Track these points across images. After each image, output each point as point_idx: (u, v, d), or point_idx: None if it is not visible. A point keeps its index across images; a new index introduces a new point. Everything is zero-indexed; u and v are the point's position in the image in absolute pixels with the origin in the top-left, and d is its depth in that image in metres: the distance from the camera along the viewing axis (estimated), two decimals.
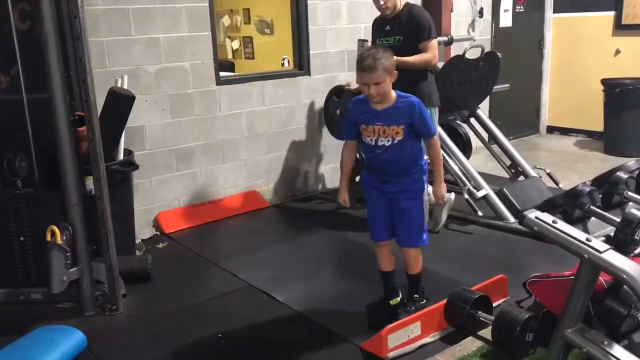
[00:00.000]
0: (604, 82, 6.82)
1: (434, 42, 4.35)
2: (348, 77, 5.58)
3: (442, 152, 4.69)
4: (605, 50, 7.23)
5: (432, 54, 4.34)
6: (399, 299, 3.33)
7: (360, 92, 5.04)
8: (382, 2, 4.34)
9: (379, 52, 2.97)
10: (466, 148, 5.50)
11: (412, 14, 4.33)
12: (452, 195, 4.58)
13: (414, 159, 3.13)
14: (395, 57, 4.25)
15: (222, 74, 5.20)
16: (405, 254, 3.26)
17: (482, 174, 4.93)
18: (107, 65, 4.37)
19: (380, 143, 3.05)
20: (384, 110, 3.04)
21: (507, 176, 5.37)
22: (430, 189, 3.31)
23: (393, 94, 3.06)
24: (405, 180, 3.11)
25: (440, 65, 4.98)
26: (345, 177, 3.34)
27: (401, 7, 4.39)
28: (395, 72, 3.03)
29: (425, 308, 3.22)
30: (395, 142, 3.02)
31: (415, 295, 3.33)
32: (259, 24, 7.34)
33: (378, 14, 4.54)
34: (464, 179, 4.80)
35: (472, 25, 6.82)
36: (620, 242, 2.63)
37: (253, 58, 7.54)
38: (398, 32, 4.39)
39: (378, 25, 4.59)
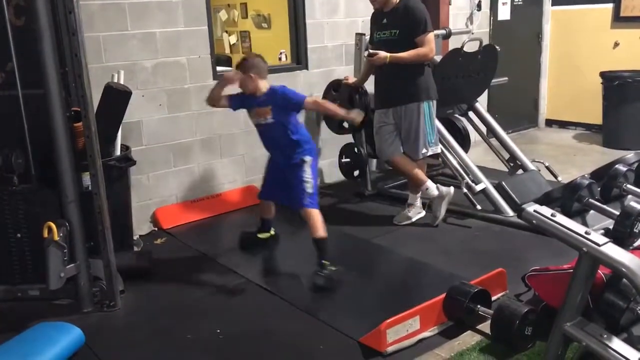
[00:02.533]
0: (603, 75, 6.81)
1: (430, 36, 4.33)
2: (346, 71, 5.56)
3: (440, 146, 4.74)
4: (603, 43, 7.21)
5: (428, 47, 4.33)
6: (267, 234, 4.28)
7: (359, 86, 5.10)
8: None
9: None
10: (465, 142, 5.48)
11: (408, 7, 4.31)
12: (452, 189, 4.57)
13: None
14: (389, 54, 4.29)
15: (219, 68, 5.18)
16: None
17: (480, 168, 4.92)
18: (103, 60, 4.34)
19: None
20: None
21: (506, 170, 5.37)
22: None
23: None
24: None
25: (438, 58, 4.97)
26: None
27: (398, 0, 4.37)
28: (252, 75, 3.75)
29: (334, 273, 3.67)
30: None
31: (324, 262, 3.70)
32: (256, 18, 7.32)
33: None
34: (463, 172, 4.80)
35: (470, 18, 6.77)
36: (619, 235, 2.61)
37: None
38: (394, 25, 4.37)
39: (376, 19, 4.58)
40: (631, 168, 3.49)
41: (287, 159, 3.83)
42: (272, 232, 4.35)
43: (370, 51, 4.43)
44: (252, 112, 3.91)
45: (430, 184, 4.56)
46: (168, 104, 4.75)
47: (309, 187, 3.78)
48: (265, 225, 4.30)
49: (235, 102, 3.94)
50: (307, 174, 3.78)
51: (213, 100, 3.92)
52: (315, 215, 3.77)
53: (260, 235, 4.30)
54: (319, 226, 3.75)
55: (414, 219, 4.67)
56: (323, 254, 3.75)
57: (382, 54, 4.32)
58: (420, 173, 4.59)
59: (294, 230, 4.76)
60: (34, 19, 3.13)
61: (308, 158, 3.80)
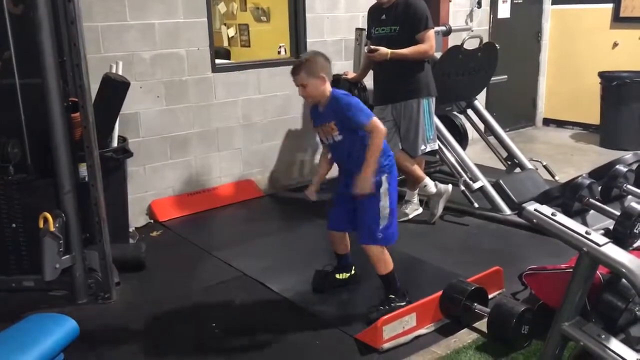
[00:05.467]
0: (601, 75, 6.80)
1: (430, 33, 4.31)
2: (345, 66, 5.54)
3: (438, 142, 4.72)
4: (603, 43, 7.20)
5: (428, 44, 4.31)
6: (347, 275, 3.55)
7: (358, 81, 5.08)
8: None
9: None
10: (463, 139, 5.48)
11: (409, 3, 4.29)
12: (449, 187, 4.56)
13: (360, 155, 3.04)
14: (390, 51, 4.27)
15: (217, 61, 5.15)
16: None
17: (478, 166, 4.92)
18: (101, 50, 4.31)
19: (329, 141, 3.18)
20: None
21: (504, 168, 5.36)
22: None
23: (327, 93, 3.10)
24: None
25: (438, 55, 4.95)
26: (317, 178, 3.46)
27: None
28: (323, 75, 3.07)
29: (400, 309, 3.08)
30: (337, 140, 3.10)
31: (391, 296, 3.22)
32: (255, 11, 7.28)
33: (375, 1, 4.50)
34: (460, 170, 4.79)
35: (470, 15, 6.78)
36: (619, 236, 2.62)
37: (249, 46, 7.47)
38: (394, 22, 4.35)
39: (374, 14, 4.54)
40: (631, 168, 3.50)
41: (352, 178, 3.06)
42: (353, 271, 3.61)
43: (372, 47, 4.41)
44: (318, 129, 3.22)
45: (428, 181, 4.55)
46: (166, 96, 4.72)
47: (384, 218, 3.11)
48: (342, 262, 3.56)
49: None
50: (384, 201, 3.09)
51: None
52: (381, 254, 3.17)
53: (340, 276, 3.57)
54: (384, 264, 3.20)
55: (411, 216, 4.66)
56: (391, 289, 3.23)
57: (384, 50, 4.30)
58: (418, 170, 4.58)
59: (289, 223, 4.76)
60: (33, 7, 3.10)
61: (385, 178, 3.08)
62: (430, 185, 4.52)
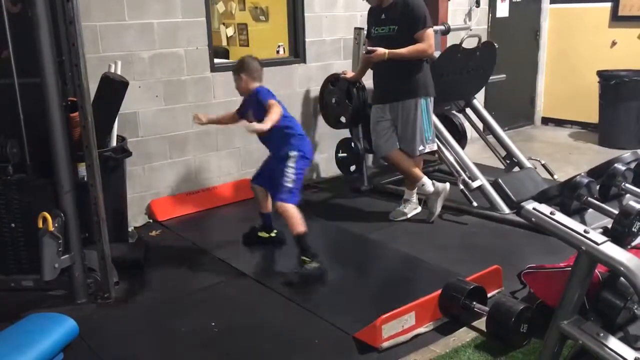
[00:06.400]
0: (600, 73, 6.81)
1: (429, 31, 4.31)
2: (344, 66, 5.54)
3: (437, 142, 4.73)
4: (601, 42, 7.21)
5: (427, 43, 4.31)
6: (267, 234, 4.22)
7: (356, 80, 5.09)
8: None
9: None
10: (461, 138, 5.49)
11: (407, 3, 4.29)
12: (447, 185, 4.57)
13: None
14: (388, 51, 4.27)
15: (216, 60, 5.15)
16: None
17: (477, 165, 4.92)
18: (100, 50, 4.31)
19: None
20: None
21: (502, 167, 5.37)
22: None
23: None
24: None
25: (437, 54, 4.95)
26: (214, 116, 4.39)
27: None
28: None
29: (315, 270, 3.66)
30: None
31: (303, 257, 3.71)
32: (254, 10, 7.27)
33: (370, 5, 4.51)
34: (459, 169, 4.79)
35: (469, 14, 6.79)
36: (617, 234, 2.62)
37: (248, 45, 7.46)
38: (393, 21, 4.35)
39: (373, 14, 4.54)
40: (629, 167, 3.51)
41: (275, 151, 3.92)
42: (274, 234, 4.25)
43: (369, 48, 4.41)
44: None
45: (426, 180, 4.55)
46: (165, 96, 4.72)
47: (290, 182, 3.77)
48: (265, 221, 4.23)
49: (240, 109, 4.12)
50: (289, 169, 3.78)
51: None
52: (291, 211, 3.74)
53: (261, 234, 4.24)
54: (296, 222, 3.72)
55: (409, 215, 4.66)
56: (303, 250, 3.73)
57: (381, 50, 4.30)
58: (416, 169, 4.58)
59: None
60: (31, 6, 3.09)
61: (293, 153, 3.80)
62: (428, 185, 4.53)
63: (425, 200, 4.66)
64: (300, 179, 3.85)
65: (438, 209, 4.58)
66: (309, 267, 3.68)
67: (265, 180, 4.08)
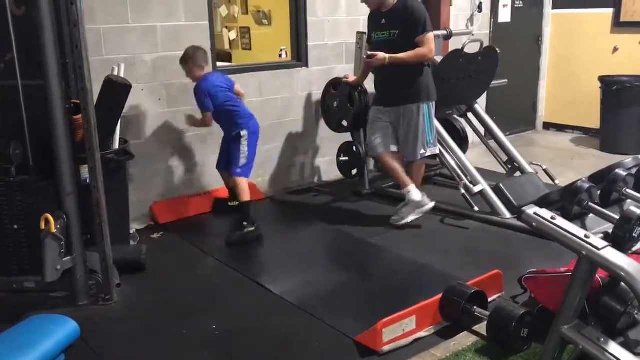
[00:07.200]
0: (602, 79, 6.82)
1: (429, 36, 4.33)
2: (345, 70, 5.56)
3: (439, 146, 4.73)
4: (603, 47, 7.22)
5: (427, 47, 4.32)
6: (237, 202, 4.59)
7: (358, 84, 5.11)
8: None
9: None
10: (463, 143, 5.49)
11: (407, 7, 4.31)
12: (431, 205, 4.54)
13: None
14: (388, 55, 4.28)
15: (219, 64, 5.17)
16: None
17: (478, 169, 4.92)
18: (103, 53, 4.32)
19: None
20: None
21: (504, 172, 5.37)
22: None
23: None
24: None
25: (438, 59, 4.97)
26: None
27: (396, 0, 4.36)
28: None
29: (251, 232, 4.30)
30: None
31: (244, 223, 4.33)
32: (257, 14, 7.29)
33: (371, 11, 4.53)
34: (461, 173, 4.79)
35: (471, 19, 6.80)
36: (618, 240, 2.62)
37: (250, 49, 7.48)
38: (393, 26, 4.37)
39: (374, 19, 4.56)
40: (631, 173, 3.51)
41: (227, 132, 4.51)
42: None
43: (369, 53, 4.42)
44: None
45: (413, 188, 4.52)
46: (167, 99, 4.74)
47: (243, 158, 4.40)
48: (233, 194, 4.69)
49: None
50: (243, 147, 4.39)
51: None
52: (242, 183, 4.40)
53: (231, 204, 4.80)
54: (245, 193, 4.38)
55: (410, 219, 4.65)
56: (244, 216, 4.37)
57: (381, 55, 4.31)
58: (402, 174, 4.56)
59: (290, 226, 4.77)
60: (35, 9, 3.11)
61: (244, 132, 4.38)
62: (414, 193, 4.50)
63: (404, 203, 4.61)
64: (253, 152, 4.47)
65: (408, 220, 4.53)
66: (247, 230, 4.30)
67: (224, 164, 4.67)
